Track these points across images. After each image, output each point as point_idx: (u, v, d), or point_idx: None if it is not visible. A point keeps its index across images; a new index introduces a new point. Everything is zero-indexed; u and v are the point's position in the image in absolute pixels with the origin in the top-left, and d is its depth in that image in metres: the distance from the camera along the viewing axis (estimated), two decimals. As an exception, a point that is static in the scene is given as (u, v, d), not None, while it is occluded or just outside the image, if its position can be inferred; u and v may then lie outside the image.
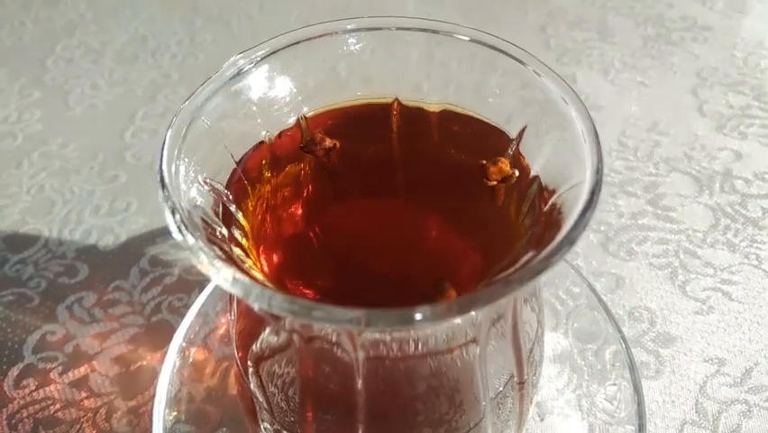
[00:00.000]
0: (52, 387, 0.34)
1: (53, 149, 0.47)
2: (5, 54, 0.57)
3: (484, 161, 0.23)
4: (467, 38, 0.24)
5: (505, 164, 0.23)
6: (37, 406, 0.33)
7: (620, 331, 0.33)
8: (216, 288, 0.35)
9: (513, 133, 0.24)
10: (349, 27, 0.24)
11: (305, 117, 0.25)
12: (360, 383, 0.20)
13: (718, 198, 0.42)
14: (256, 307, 0.20)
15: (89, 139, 0.48)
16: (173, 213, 0.18)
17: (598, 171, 0.19)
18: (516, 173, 0.23)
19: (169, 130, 0.20)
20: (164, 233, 0.41)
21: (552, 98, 0.22)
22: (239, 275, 0.18)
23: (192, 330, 0.33)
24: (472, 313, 0.17)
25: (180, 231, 0.18)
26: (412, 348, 0.20)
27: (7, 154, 0.47)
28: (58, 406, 0.33)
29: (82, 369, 0.34)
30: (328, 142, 0.25)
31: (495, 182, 0.23)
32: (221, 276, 0.18)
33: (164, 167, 0.19)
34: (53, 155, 0.47)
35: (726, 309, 0.36)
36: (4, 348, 0.35)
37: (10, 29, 0.60)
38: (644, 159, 0.45)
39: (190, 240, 0.18)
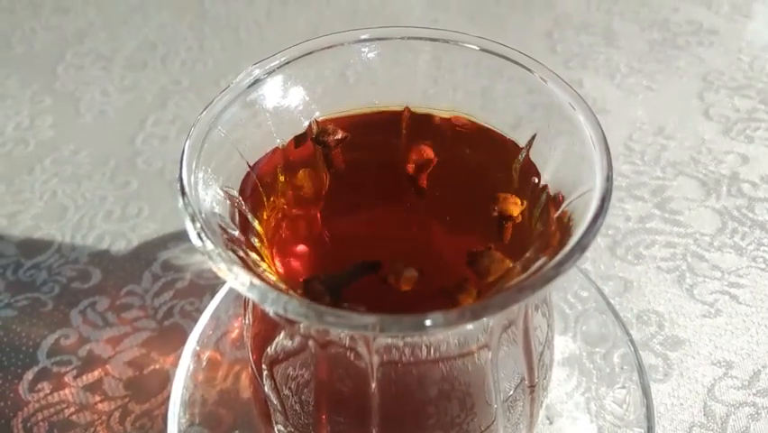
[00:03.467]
0: (67, 390, 0.34)
1: (65, 155, 0.48)
2: (17, 61, 0.57)
3: (498, 194, 0.23)
4: (476, 47, 0.25)
5: (516, 204, 0.23)
6: (52, 409, 0.33)
7: (628, 334, 0.33)
8: (229, 292, 0.35)
9: (523, 141, 0.24)
10: (361, 37, 0.25)
11: (317, 121, 0.26)
12: (374, 387, 0.21)
13: (725, 202, 0.42)
14: (272, 312, 0.20)
15: (100, 145, 0.49)
16: (193, 221, 0.18)
17: (609, 179, 0.19)
18: (520, 218, 0.23)
19: (188, 141, 0.20)
20: (175, 238, 0.42)
21: (560, 105, 0.23)
22: (256, 281, 0.18)
23: (205, 334, 0.34)
24: (484, 319, 0.17)
25: (200, 238, 0.18)
26: (425, 353, 0.20)
27: (20, 160, 0.48)
28: (72, 409, 0.33)
29: (96, 373, 0.35)
30: (340, 134, 0.25)
31: (497, 213, 0.23)
32: (239, 281, 0.18)
33: (184, 176, 0.19)
34: (65, 161, 0.48)
35: (734, 312, 0.36)
36: (19, 352, 0.36)
37: (21, 36, 0.60)
38: (650, 163, 0.45)
39: (210, 246, 0.18)
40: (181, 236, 0.42)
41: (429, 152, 0.25)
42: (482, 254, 0.21)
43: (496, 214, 0.22)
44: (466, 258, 0.21)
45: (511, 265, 0.20)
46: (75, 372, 0.35)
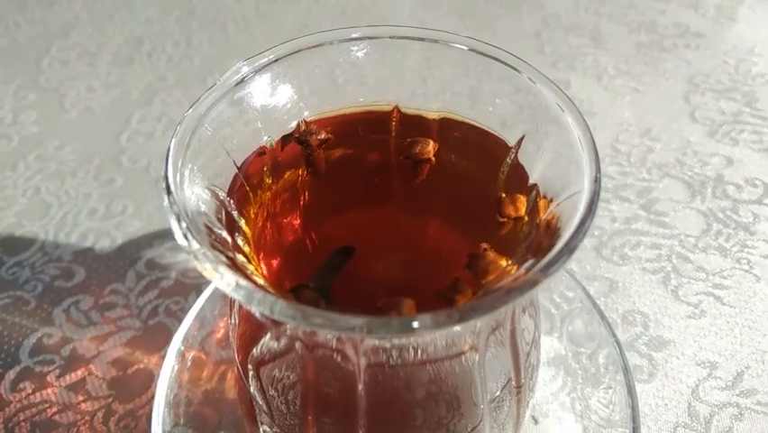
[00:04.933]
0: (49, 390, 0.34)
1: (49, 151, 0.47)
2: (0, 55, 0.56)
3: (503, 195, 0.23)
4: (465, 47, 0.24)
5: (522, 204, 0.22)
6: (34, 409, 0.33)
7: (614, 335, 0.33)
8: (214, 291, 0.35)
9: (511, 141, 0.24)
10: (351, 36, 0.25)
11: (305, 121, 0.26)
12: (361, 389, 0.21)
13: (710, 204, 0.43)
14: (258, 313, 0.20)
15: (85, 142, 0.48)
16: (179, 220, 0.18)
17: (597, 181, 0.19)
18: (526, 219, 0.22)
19: (173, 138, 0.20)
20: (160, 236, 0.42)
21: (548, 106, 0.23)
22: (242, 281, 0.18)
23: (190, 334, 0.34)
24: (472, 321, 0.17)
25: (186, 238, 0.18)
26: (413, 355, 0.20)
27: (2, 156, 0.47)
28: (55, 409, 0.33)
29: (79, 372, 0.34)
30: (323, 135, 0.25)
31: (505, 219, 0.23)
32: (224, 281, 0.18)
33: (169, 175, 0.19)
34: (49, 157, 0.47)
35: (718, 313, 0.37)
36: (1, 351, 0.35)
37: (5, 30, 0.59)
38: (637, 164, 0.45)
39: (195, 246, 0.18)
40: (166, 235, 0.41)
41: (431, 145, 0.25)
42: (479, 256, 0.21)
43: (506, 217, 0.22)
44: (465, 261, 0.21)
45: (506, 264, 0.20)
46: (58, 371, 0.34)
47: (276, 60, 0.24)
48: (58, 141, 0.48)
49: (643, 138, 0.47)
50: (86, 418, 0.33)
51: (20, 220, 0.42)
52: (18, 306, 0.38)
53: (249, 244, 0.22)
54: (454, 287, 0.20)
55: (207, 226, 0.20)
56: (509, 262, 0.21)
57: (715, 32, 0.58)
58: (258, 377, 0.24)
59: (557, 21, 0.59)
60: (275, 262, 0.23)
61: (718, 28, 0.58)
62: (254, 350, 0.23)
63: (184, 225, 0.18)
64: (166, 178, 0.19)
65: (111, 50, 0.57)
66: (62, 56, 0.56)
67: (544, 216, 0.21)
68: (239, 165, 0.23)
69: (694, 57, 0.55)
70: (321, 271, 0.23)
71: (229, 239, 0.21)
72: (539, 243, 0.20)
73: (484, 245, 0.21)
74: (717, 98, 0.51)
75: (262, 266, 0.22)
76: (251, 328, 0.23)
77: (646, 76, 0.53)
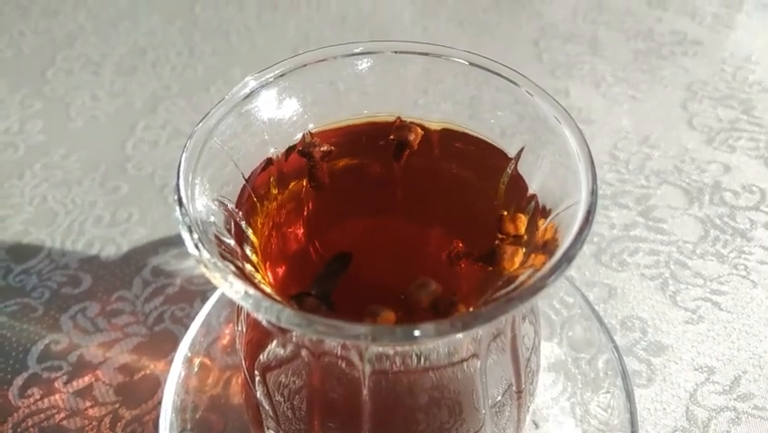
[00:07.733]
0: (57, 396, 0.34)
1: (55, 160, 0.48)
2: (6, 65, 0.57)
3: (505, 213, 0.24)
4: (465, 62, 0.25)
5: (522, 222, 0.23)
6: (42, 415, 0.34)
7: (613, 340, 0.34)
8: (220, 298, 0.36)
9: (511, 151, 0.25)
10: (354, 51, 0.25)
11: (310, 133, 0.26)
12: (365, 395, 0.21)
13: (708, 210, 0.43)
14: (265, 321, 0.21)
15: (91, 150, 0.49)
16: (191, 231, 0.19)
17: (593, 193, 0.20)
18: (526, 237, 0.23)
19: (184, 152, 0.21)
20: (166, 243, 0.42)
21: (546, 118, 0.23)
22: (251, 290, 0.18)
23: (197, 340, 0.34)
24: (474, 329, 0.18)
25: (197, 248, 0.19)
26: (416, 362, 0.21)
27: (9, 165, 0.48)
28: (62, 415, 0.33)
29: (86, 378, 0.35)
30: (325, 147, 0.26)
31: (505, 236, 0.23)
32: (233, 290, 0.18)
33: (181, 187, 0.20)
34: (55, 166, 0.48)
35: (716, 319, 0.37)
36: (9, 358, 0.36)
37: (10, 40, 0.60)
38: (635, 171, 0.46)
39: (206, 256, 0.19)
40: (171, 242, 0.42)
41: (418, 130, 0.26)
42: (497, 249, 0.21)
43: (506, 235, 0.23)
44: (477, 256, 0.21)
45: (524, 252, 0.21)
46: (65, 377, 0.35)
47: (282, 75, 0.24)
48: (64, 149, 0.49)
49: (641, 145, 0.48)
50: (94, 423, 0.33)
51: (27, 228, 0.43)
52: (26, 313, 0.38)
53: (257, 254, 0.22)
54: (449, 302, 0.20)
55: (217, 236, 0.21)
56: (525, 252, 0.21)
57: (712, 40, 0.58)
58: (264, 383, 0.24)
59: (555, 29, 0.60)
60: (282, 271, 0.24)
61: (716, 36, 0.59)
62: (261, 356, 0.24)
63: (196, 236, 0.19)
64: (178, 190, 0.20)
65: (115, 59, 0.58)
66: (67, 66, 0.57)
67: (543, 225, 0.22)
68: (246, 176, 0.24)
69: (692, 64, 0.56)
70: (320, 278, 0.23)
71: (238, 249, 0.21)
72: (539, 252, 0.20)
73: (497, 241, 0.22)
74: (715, 106, 0.51)
75: (269, 275, 0.23)
76: (259, 335, 0.24)
77: (644, 83, 0.54)
